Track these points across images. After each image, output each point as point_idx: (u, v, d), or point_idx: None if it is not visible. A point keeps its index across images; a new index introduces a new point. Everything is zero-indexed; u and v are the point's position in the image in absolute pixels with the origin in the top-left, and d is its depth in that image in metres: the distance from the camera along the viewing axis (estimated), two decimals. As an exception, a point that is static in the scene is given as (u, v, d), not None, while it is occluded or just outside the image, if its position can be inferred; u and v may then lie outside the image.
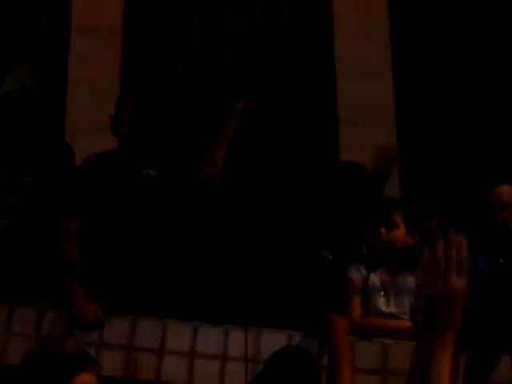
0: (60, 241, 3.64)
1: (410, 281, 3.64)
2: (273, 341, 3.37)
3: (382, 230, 3.66)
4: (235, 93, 5.00)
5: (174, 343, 3.44)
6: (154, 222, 3.73)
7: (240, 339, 3.43)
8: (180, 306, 3.56)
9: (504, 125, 5.25)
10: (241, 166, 3.78)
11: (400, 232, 3.66)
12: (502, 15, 5.45)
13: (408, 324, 3.57)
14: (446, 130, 5.29)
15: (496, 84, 5.35)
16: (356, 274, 3.67)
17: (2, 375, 3.10)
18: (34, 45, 5.82)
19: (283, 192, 3.76)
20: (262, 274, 3.60)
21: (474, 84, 5.35)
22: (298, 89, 5.45)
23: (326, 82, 5.38)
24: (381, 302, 3.64)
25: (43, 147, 3.90)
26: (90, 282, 3.56)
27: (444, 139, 5.27)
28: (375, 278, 3.66)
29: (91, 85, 5.43)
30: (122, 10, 5.68)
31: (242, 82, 5.17)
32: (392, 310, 3.63)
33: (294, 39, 5.58)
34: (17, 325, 3.44)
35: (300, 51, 5.55)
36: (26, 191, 3.78)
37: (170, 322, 3.48)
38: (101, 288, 3.57)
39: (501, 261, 3.87)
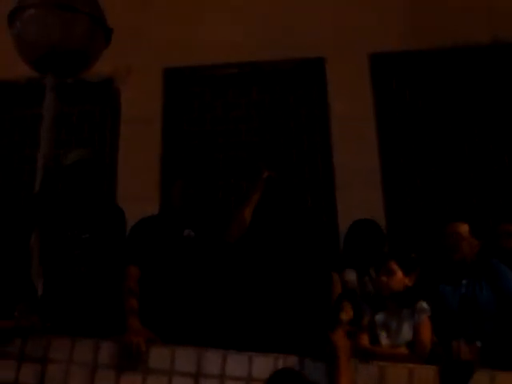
0: (126, 283, 3.59)
1: (408, 315, 3.59)
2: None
3: (384, 277, 3.63)
4: (251, 166, 4.97)
5: (208, 368, 3.30)
6: (193, 270, 3.69)
7: (260, 364, 3.30)
8: (212, 337, 3.46)
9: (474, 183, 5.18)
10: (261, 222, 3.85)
11: (397, 277, 3.62)
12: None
13: (402, 351, 3.51)
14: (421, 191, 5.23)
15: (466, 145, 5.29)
16: (366, 313, 3.64)
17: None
18: (91, 133, 5.80)
19: (292, 241, 3.79)
20: (280, 311, 3.55)
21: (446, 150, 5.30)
22: (301, 163, 5.40)
23: (323, 155, 5.33)
24: (382, 336, 3.59)
25: (99, 209, 3.86)
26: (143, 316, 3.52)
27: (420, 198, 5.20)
28: (380, 317, 3.62)
29: (137, 163, 5.41)
30: (161, 104, 5.68)
31: (256, 158, 5.16)
32: (391, 341, 3.57)
33: (296, 123, 5.56)
34: (77, 354, 3.31)
35: (301, 132, 5.53)
36: (85, 245, 3.72)
37: (204, 350, 3.35)
38: (150, 321, 3.50)
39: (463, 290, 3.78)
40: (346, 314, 3.57)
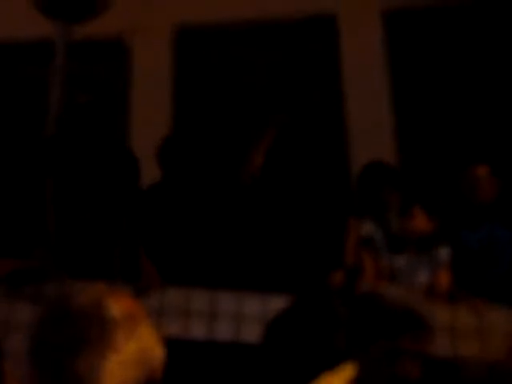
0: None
1: (428, 260, 3.61)
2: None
3: (408, 221, 3.62)
4: (264, 110, 4.88)
5: (223, 308, 3.30)
6: (207, 215, 3.72)
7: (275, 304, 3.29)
8: (226, 279, 3.46)
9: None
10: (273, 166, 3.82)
11: (419, 220, 3.61)
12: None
13: (420, 293, 3.52)
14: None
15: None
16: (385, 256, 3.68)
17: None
18: (101, 93, 5.75)
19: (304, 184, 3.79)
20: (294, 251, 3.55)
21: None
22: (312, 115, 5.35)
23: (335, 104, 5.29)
24: (400, 279, 3.61)
25: (112, 157, 3.85)
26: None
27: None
28: (399, 260, 3.64)
29: (148, 122, 5.38)
30: (172, 62, 5.64)
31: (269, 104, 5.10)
32: (409, 284, 3.57)
33: (308, 78, 5.48)
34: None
35: (313, 85, 5.45)
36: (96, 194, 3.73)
37: (219, 292, 3.35)
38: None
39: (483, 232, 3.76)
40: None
